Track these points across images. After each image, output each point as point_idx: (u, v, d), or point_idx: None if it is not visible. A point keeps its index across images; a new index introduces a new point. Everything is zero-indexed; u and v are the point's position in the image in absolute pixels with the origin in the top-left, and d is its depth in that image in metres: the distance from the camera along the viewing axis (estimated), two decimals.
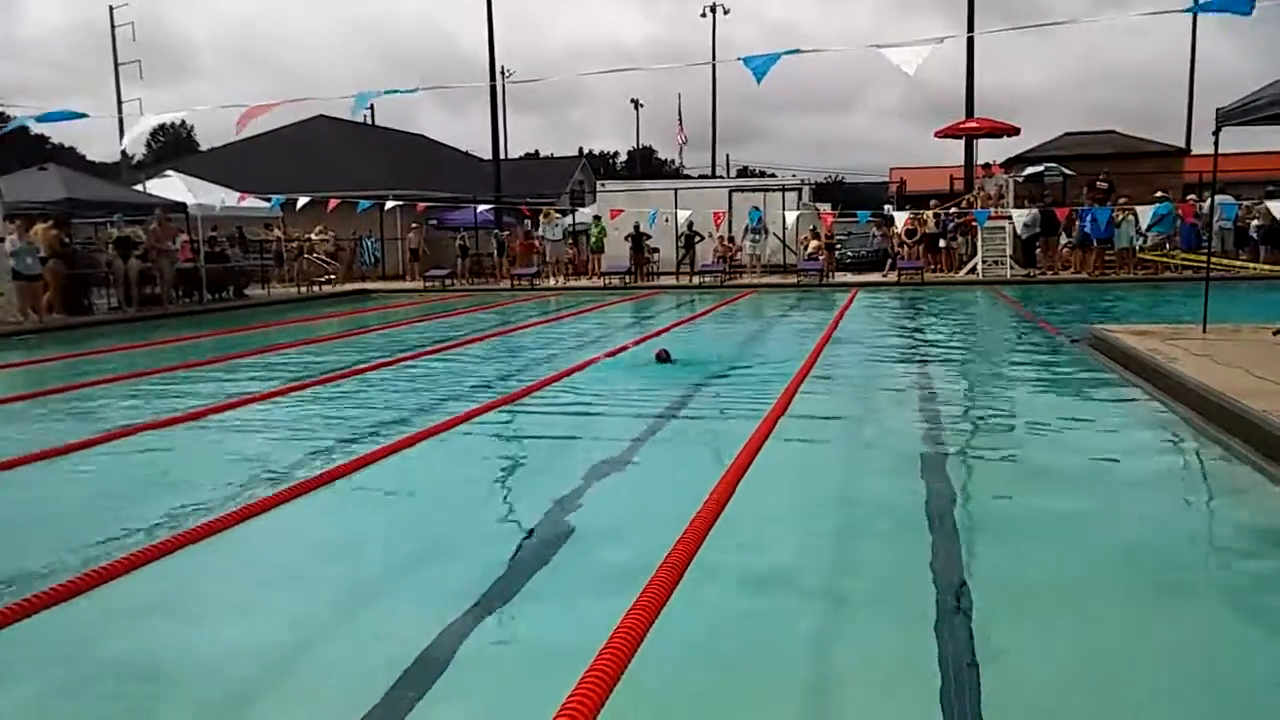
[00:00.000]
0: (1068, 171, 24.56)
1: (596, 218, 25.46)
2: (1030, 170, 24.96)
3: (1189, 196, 22.21)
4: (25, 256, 15.34)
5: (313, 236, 26.42)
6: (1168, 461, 5.69)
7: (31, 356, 11.99)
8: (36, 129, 16.55)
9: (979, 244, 21.53)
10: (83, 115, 11.02)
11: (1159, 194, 21.54)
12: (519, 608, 3.60)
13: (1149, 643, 3.30)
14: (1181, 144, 31.94)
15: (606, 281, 23.41)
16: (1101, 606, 3.57)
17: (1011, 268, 21.27)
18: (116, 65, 34.10)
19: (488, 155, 34.67)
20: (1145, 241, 21.18)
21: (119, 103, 33.98)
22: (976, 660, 3.00)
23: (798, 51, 11.14)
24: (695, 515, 4.22)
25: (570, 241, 26.46)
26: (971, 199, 24.11)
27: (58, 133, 61.10)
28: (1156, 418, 6.60)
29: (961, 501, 4.75)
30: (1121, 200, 21.32)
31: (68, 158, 51.26)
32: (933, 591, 3.58)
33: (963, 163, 27.29)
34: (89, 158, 60.80)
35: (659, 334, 12.80)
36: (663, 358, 9.44)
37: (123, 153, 34.32)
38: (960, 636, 3.19)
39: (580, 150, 67.94)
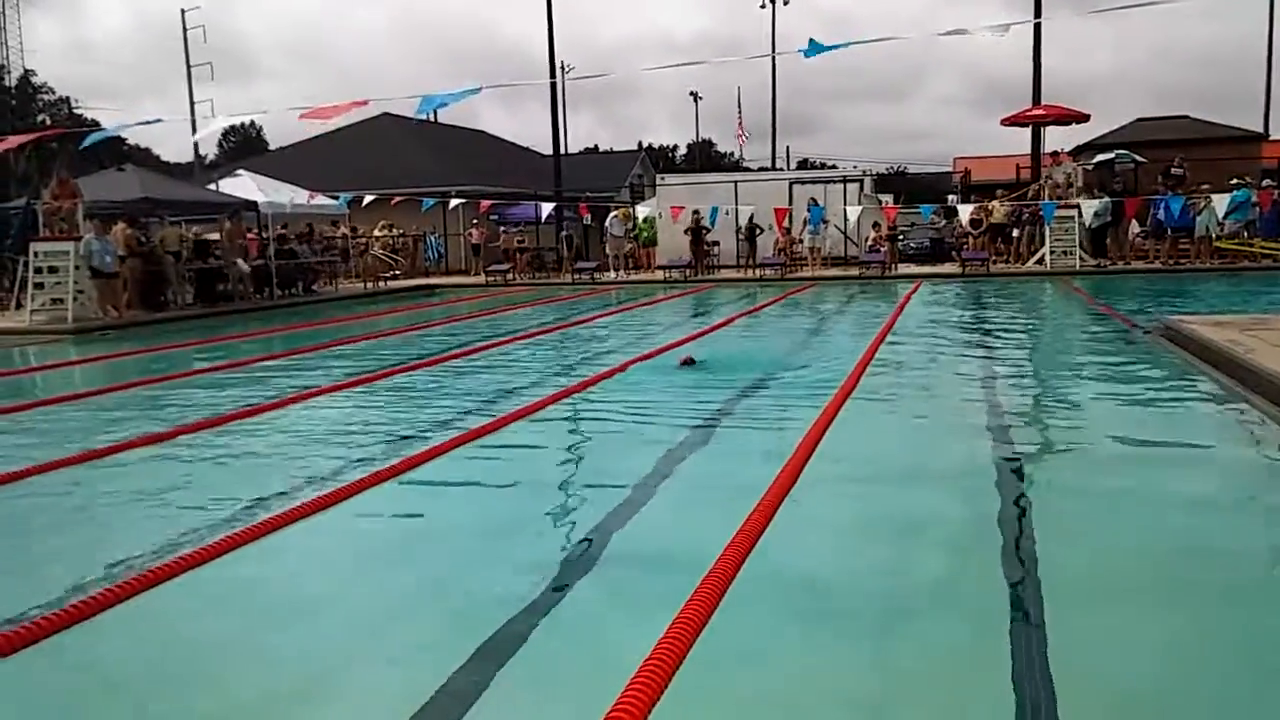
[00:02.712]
0: (1139, 158, 23.92)
1: (645, 219, 25.67)
2: (1100, 158, 24.36)
3: (1265, 182, 21.46)
4: (104, 255, 15.88)
5: (377, 232, 26.90)
6: (1244, 456, 5.53)
7: (112, 351, 12.42)
8: (113, 132, 17.18)
9: (1047, 234, 21.09)
10: (158, 120, 11.40)
11: (1235, 180, 20.88)
12: (567, 606, 3.64)
13: (1219, 644, 3.22)
14: (1259, 129, 30.91)
15: (667, 275, 23.43)
16: (1174, 607, 3.51)
17: (1081, 258, 20.79)
18: (189, 67, 35.11)
19: (546, 150, 34.92)
20: (1223, 230, 20.54)
21: (191, 104, 34.96)
22: (1052, 675, 2.94)
23: (850, 44, 11.08)
24: (751, 511, 4.24)
25: (631, 236, 26.61)
26: (1039, 188, 23.61)
27: (133, 134, 62.95)
28: (1232, 410, 6.42)
29: (1031, 502, 4.66)
30: (1204, 186, 20.66)
31: (143, 158, 52.83)
32: (1004, 595, 3.52)
33: (1029, 151, 26.74)
34: (163, 158, 62.64)
35: (715, 329, 12.80)
36: (688, 363, 8.97)
37: (196, 153, 35.33)
38: (1033, 648, 3.12)
39: (639, 144, 67.98)
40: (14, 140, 16.18)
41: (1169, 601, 3.54)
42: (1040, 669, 2.92)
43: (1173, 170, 22.20)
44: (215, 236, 20.04)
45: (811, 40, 10.61)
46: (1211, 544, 4.06)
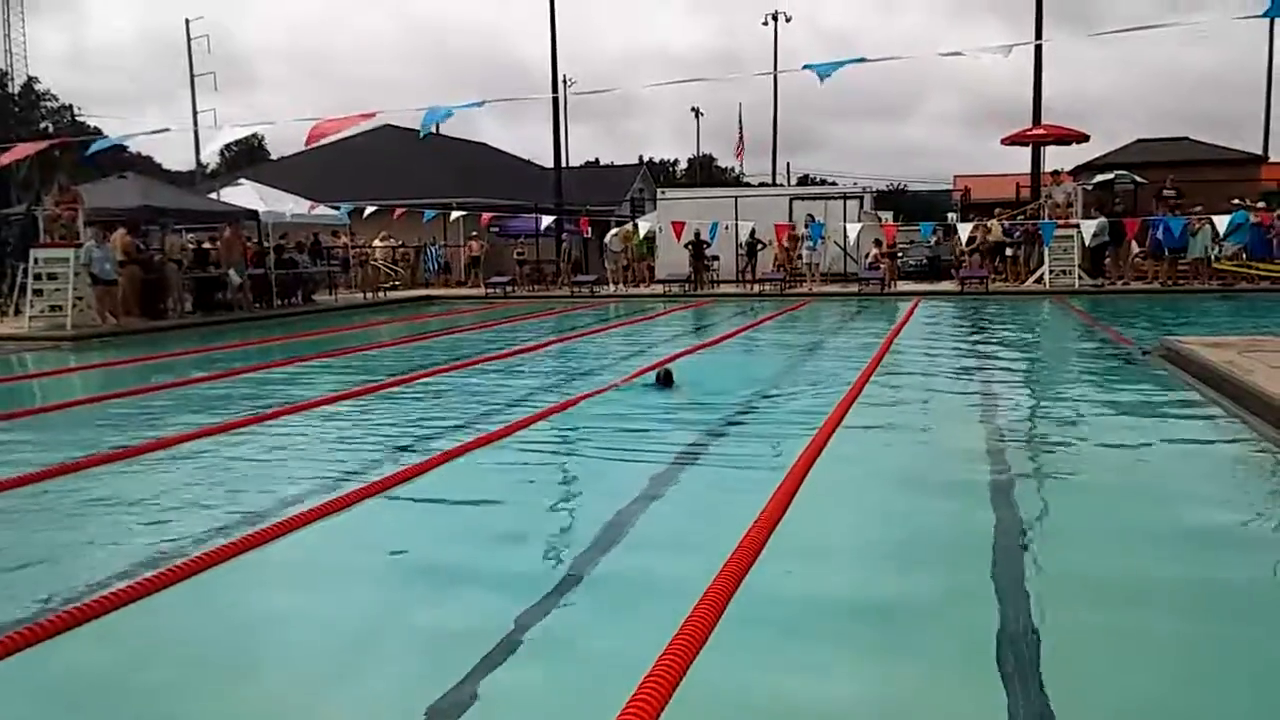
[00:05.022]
0: (1139, 179, 23.98)
1: (638, 238, 25.95)
2: (1100, 178, 24.43)
3: (1259, 204, 21.54)
4: (104, 262, 15.90)
5: (376, 243, 26.91)
6: (1241, 478, 5.52)
7: (108, 359, 12.40)
8: (117, 141, 17.17)
9: (1046, 254, 21.12)
10: (164, 130, 11.42)
11: (1235, 202, 20.93)
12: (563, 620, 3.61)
13: (1219, 670, 3.21)
14: (1259, 151, 31.04)
15: (667, 289, 23.45)
16: (1171, 632, 3.49)
17: (1080, 278, 20.82)
18: (192, 78, 35.17)
19: (547, 163, 35.01)
20: (1221, 251, 20.58)
21: (194, 114, 35.01)
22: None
23: (862, 60, 11.16)
24: (747, 532, 4.22)
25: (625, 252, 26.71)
26: (1039, 207, 23.68)
27: (135, 141, 62.88)
28: (1231, 432, 6.41)
29: (1028, 529, 4.61)
30: (1197, 209, 20.72)
31: (145, 166, 52.83)
32: (1000, 627, 3.49)
33: (1029, 170, 26.82)
34: (165, 166, 62.60)
35: (709, 345, 12.80)
36: (664, 381, 8.50)
37: (198, 162, 35.41)
38: (1030, 677, 3.11)
39: (640, 158, 68.04)
40: (23, 150, 16.19)
41: (1166, 626, 3.52)
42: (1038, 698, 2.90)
43: (1164, 192, 22.29)
44: (211, 246, 20.06)
45: (818, 70, 10.67)
46: (1209, 569, 4.04)
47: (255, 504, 5.08)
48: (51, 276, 15.77)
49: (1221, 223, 19.30)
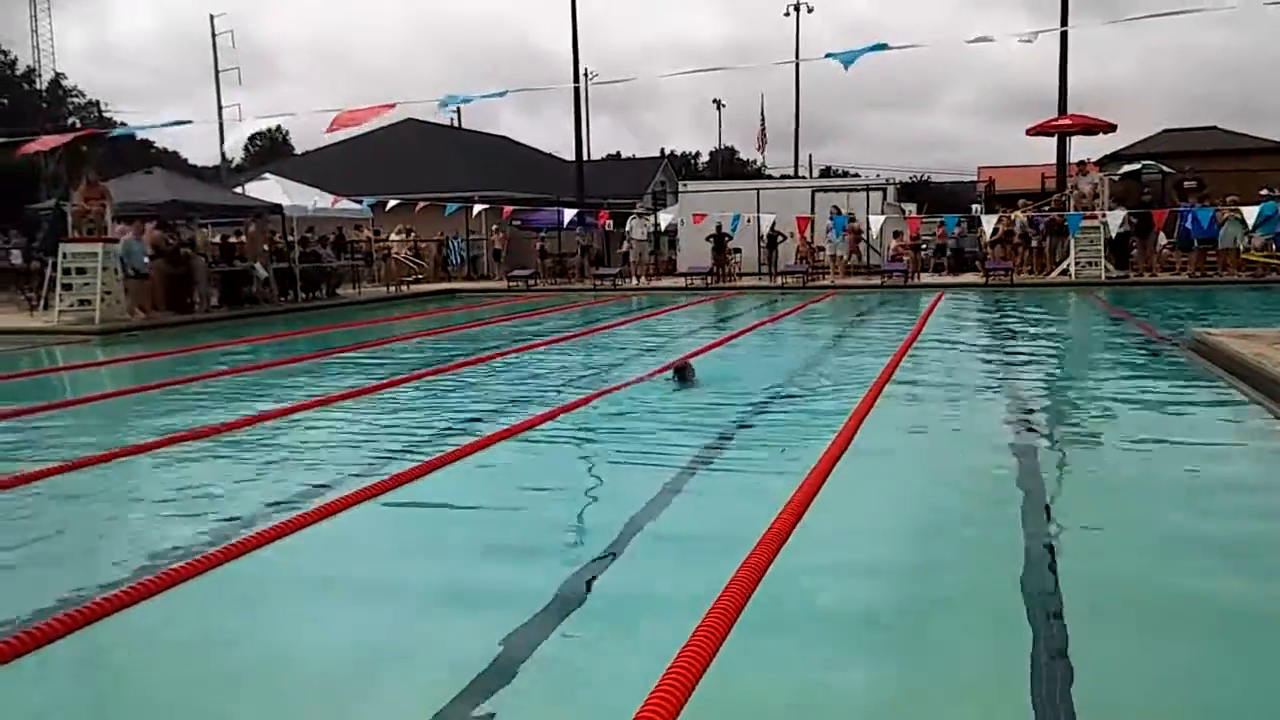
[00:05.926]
0: (1166, 169, 23.69)
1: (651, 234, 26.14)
2: (1127, 168, 24.16)
3: (1278, 190, 21.25)
4: (141, 256, 16.10)
5: (394, 237, 27.06)
6: (1272, 472, 5.46)
7: (135, 352, 12.53)
8: (141, 134, 17.39)
9: (1071, 245, 20.90)
10: (188, 122, 11.49)
11: (1264, 192, 20.63)
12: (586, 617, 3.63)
13: (1249, 666, 3.18)
14: None
15: (689, 282, 23.42)
16: (1202, 629, 3.46)
17: (1106, 269, 20.60)
18: (217, 73, 35.46)
19: (568, 156, 35.08)
20: (1250, 242, 20.30)
21: (219, 108, 35.27)
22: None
23: (884, 47, 11.10)
24: (778, 516, 4.22)
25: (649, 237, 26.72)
26: (1064, 198, 23.45)
27: (161, 137, 63.67)
28: (1261, 424, 6.35)
29: (1055, 524, 4.59)
30: (1231, 199, 20.43)
31: (171, 161, 53.29)
32: (1027, 625, 3.48)
33: (1054, 161, 26.55)
34: (191, 161, 63.13)
35: (728, 340, 12.76)
36: (682, 376, 8.31)
37: (222, 156, 35.65)
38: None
39: (662, 151, 67.90)
40: (49, 141, 16.42)
41: (1197, 622, 3.49)
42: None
43: (1185, 183, 22.01)
44: (236, 240, 20.24)
45: (841, 59, 10.62)
46: (1239, 563, 4.00)
47: (261, 504, 4.99)
48: (80, 271, 15.93)
49: (1251, 213, 19.03)
